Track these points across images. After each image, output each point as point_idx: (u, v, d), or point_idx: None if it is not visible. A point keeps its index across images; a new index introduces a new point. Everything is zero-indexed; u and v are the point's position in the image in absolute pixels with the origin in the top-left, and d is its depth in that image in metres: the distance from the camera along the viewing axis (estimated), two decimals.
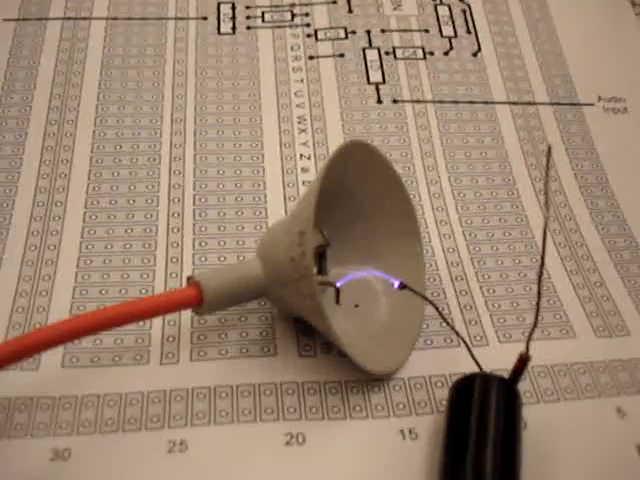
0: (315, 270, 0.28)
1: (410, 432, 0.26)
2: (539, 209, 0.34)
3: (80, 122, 0.35)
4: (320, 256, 0.29)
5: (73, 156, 0.34)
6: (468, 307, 0.30)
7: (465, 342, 0.27)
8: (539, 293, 0.25)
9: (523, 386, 0.27)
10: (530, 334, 0.25)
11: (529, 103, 0.38)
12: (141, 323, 0.29)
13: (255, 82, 0.38)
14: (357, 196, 0.29)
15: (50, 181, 0.33)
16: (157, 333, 0.29)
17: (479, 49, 0.40)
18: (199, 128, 0.36)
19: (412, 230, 0.30)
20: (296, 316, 0.29)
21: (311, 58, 0.39)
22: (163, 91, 0.37)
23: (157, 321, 0.29)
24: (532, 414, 0.27)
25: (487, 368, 0.26)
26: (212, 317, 0.29)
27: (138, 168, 0.34)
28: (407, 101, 0.37)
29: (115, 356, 0.28)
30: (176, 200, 0.33)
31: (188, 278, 0.27)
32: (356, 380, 0.28)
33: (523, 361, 0.25)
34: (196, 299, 0.26)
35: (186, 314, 0.29)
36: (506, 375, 0.26)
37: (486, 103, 0.38)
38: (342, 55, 0.39)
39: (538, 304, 0.25)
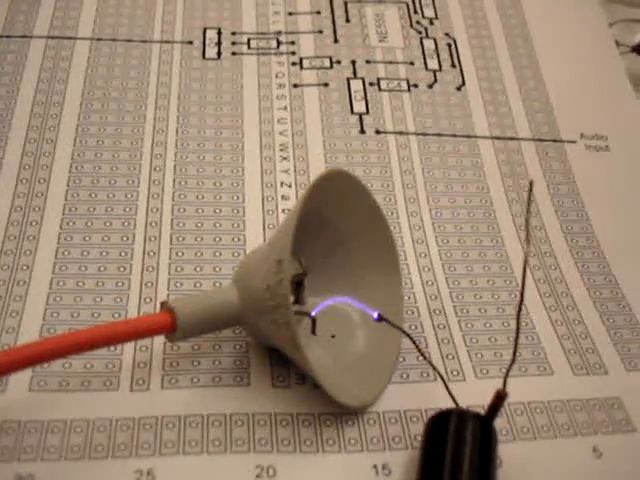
0: (292, 299, 0.28)
1: (383, 468, 0.26)
2: (519, 244, 0.33)
3: (59, 142, 0.35)
4: (297, 285, 0.28)
5: (51, 175, 0.34)
6: (446, 341, 0.30)
7: (442, 377, 0.26)
8: (517, 329, 0.25)
9: (499, 423, 0.26)
10: (507, 371, 0.25)
11: (511, 138, 0.38)
12: (112, 348, 0.28)
13: (238, 108, 0.37)
14: (337, 226, 0.29)
15: (26, 199, 0.33)
16: (128, 359, 0.28)
17: (463, 83, 0.40)
18: (180, 152, 0.35)
19: (391, 262, 0.29)
20: (271, 346, 0.28)
21: (295, 86, 0.39)
22: (145, 113, 0.36)
23: (128, 346, 0.28)
24: (508, 452, 0.26)
25: (463, 404, 0.26)
26: (185, 344, 0.29)
27: (116, 190, 0.34)
28: (390, 132, 0.37)
29: (84, 381, 0.27)
30: (153, 224, 0.33)
31: (162, 304, 0.27)
32: (330, 413, 0.27)
33: (500, 398, 0.25)
34: (169, 325, 0.26)
35: (159, 340, 0.29)
36: (482, 411, 0.25)
37: (469, 137, 0.37)
38: (326, 84, 0.39)
39: (516, 340, 0.25)
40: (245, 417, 0.27)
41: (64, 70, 0.38)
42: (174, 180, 0.34)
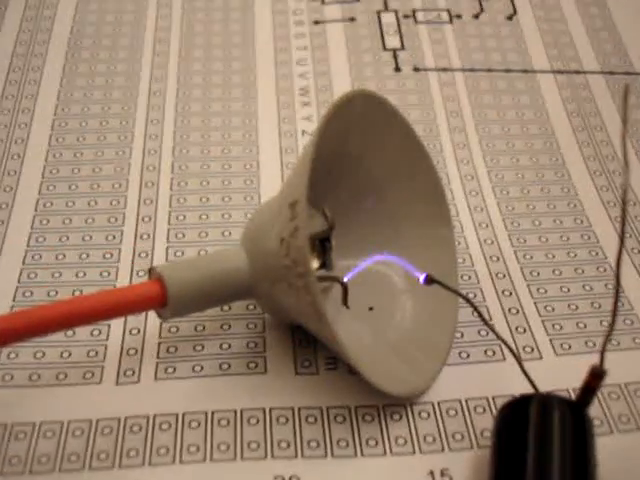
0: (316, 264, 0.22)
1: (442, 474, 0.20)
2: (596, 193, 0.28)
3: (47, 65, 0.31)
4: (323, 245, 0.22)
5: (33, 116, 0.29)
6: (514, 311, 0.24)
7: (514, 353, 0.20)
8: (617, 288, 0.19)
9: (591, 411, 0.20)
10: (605, 339, 0.19)
11: (577, 72, 0.32)
12: (96, 332, 0.23)
13: (250, 50, 0.32)
14: (368, 167, 0.23)
15: (4, 147, 0.28)
16: (115, 345, 0.23)
17: (514, 12, 0.34)
18: (181, 102, 0.30)
19: (439, 212, 0.23)
20: (292, 323, 0.22)
21: (316, 23, 0.33)
22: (141, 61, 0.31)
23: (116, 329, 0.23)
24: (604, 447, 0.20)
25: (542, 389, 0.20)
26: (186, 324, 0.23)
27: (105, 147, 0.29)
28: (431, 69, 0.31)
29: (59, 373, 0.22)
30: (149, 184, 0.27)
31: (149, 270, 0.21)
32: (370, 405, 0.22)
33: (597, 376, 0.19)
34: (158, 297, 0.20)
35: (153, 322, 0.23)
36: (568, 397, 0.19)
37: (525, 72, 0.32)
38: (353, 19, 0.33)
39: (616, 302, 0.19)
40: (260, 413, 0.21)
41: None
42: (174, 133, 0.29)
